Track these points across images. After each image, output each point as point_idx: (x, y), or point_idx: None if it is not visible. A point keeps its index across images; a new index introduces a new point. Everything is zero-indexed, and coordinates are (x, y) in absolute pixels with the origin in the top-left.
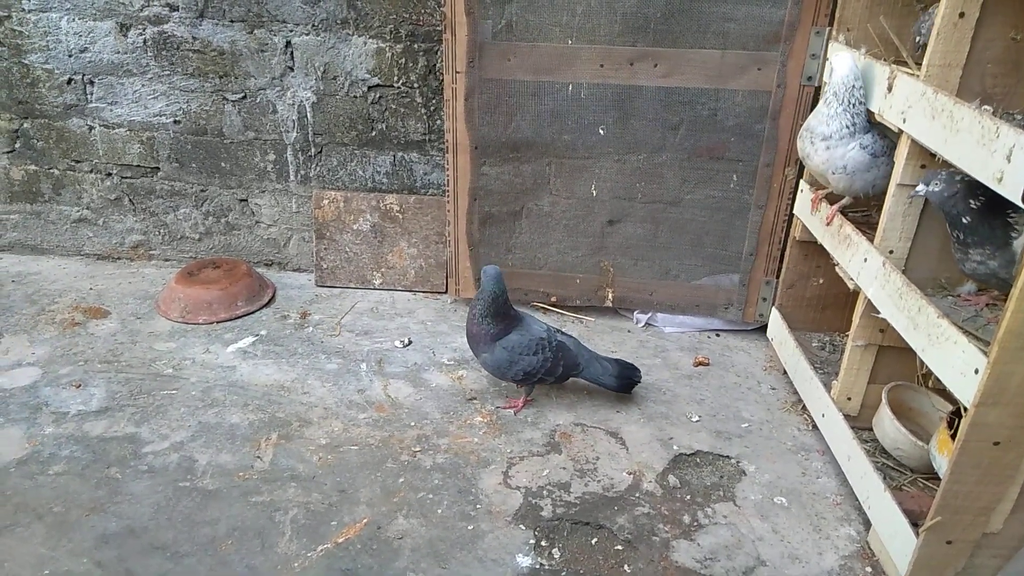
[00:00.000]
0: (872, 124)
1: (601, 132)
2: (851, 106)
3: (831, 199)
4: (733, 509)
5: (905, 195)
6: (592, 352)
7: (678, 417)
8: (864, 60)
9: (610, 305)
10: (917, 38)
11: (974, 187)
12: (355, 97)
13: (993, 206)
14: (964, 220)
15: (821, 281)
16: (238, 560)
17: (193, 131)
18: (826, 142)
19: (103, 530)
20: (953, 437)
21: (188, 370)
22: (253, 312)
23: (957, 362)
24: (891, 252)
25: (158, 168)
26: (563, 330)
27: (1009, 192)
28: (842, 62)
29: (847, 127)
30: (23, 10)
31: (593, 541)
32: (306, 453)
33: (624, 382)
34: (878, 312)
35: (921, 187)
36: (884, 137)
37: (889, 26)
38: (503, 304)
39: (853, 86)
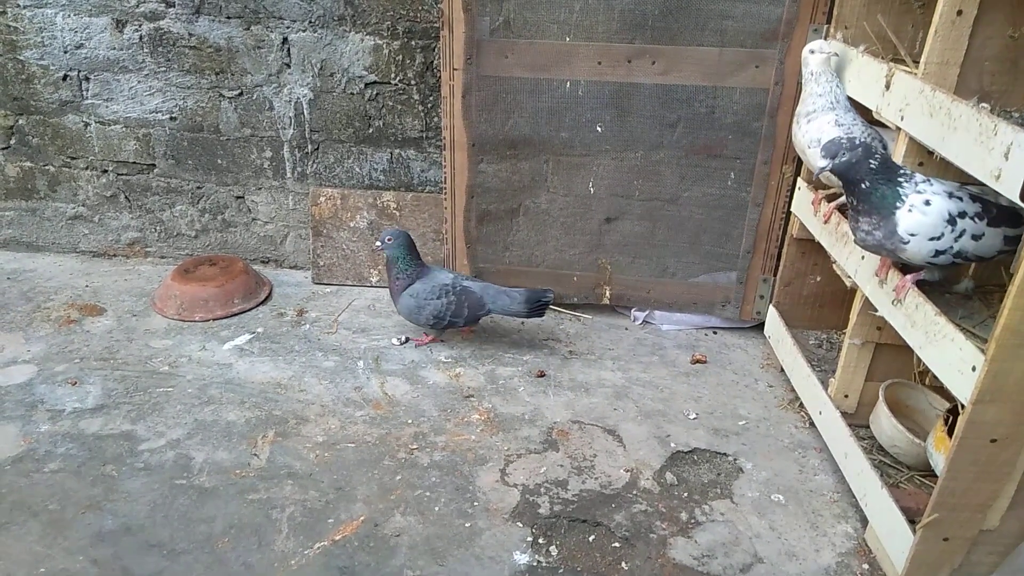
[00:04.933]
0: (856, 112)
1: (599, 130)
2: (825, 82)
3: (831, 199)
4: (730, 506)
5: None
6: (500, 289)
7: (675, 415)
8: (861, 57)
9: (607, 303)
10: None
11: (873, 149)
12: (352, 94)
13: (890, 173)
14: (863, 185)
15: (818, 279)
16: (235, 558)
17: (189, 128)
18: (807, 117)
19: (99, 528)
20: (950, 434)
21: (184, 368)
22: (249, 309)
23: (954, 359)
24: None
25: (154, 165)
26: (471, 277)
27: (1007, 189)
28: (818, 51)
29: (827, 102)
30: (18, 5)
31: (591, 538)
32: (303, 451)
33: (534, 306)
34: (875, 310)
35: (826, 162)
36: (868, 126)
37: (887, 24)
38: (411, 255)
39: (820, 65)
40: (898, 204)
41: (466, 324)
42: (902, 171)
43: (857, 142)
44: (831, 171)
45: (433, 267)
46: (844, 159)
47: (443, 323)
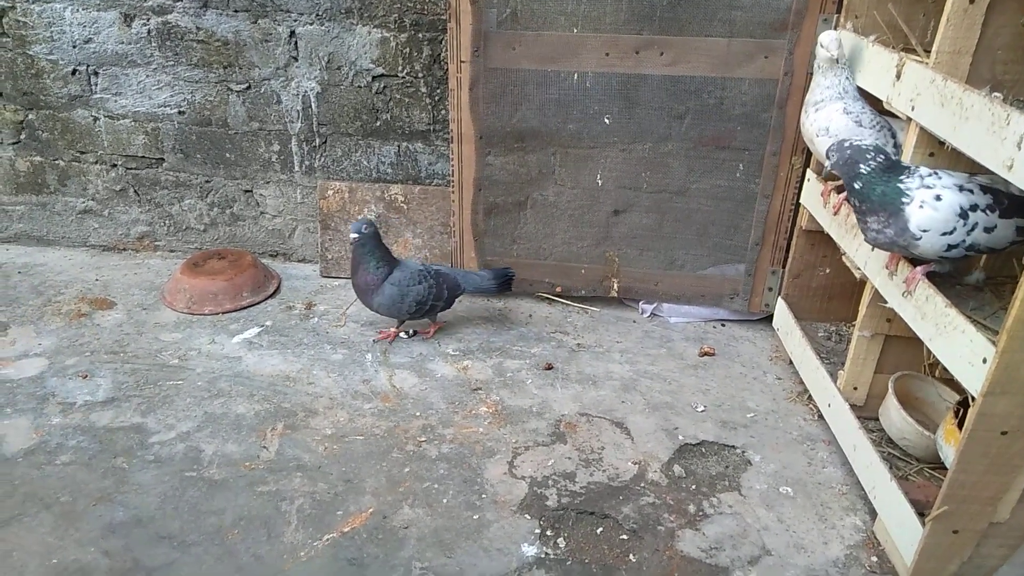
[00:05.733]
0: (864, 102)
1: (607, 121)
2: (834, 74)
3: (840, 190)
4: (739, 499)
5: None
6: (467, 271)
7: (683, 407)
8: (872, 47)
9: (615, 295)
10: None
11: (864, 151)
12: (359, 87)
13: (887, 172)
14: (855, 185)
15: (828, 271)
16: (244, 549)
17: (198, 122)
18: (816, 106)
19: (110, 519)
20: (960, 427)
21: (194, 361)
22: (258, 303)
23: (965, 351)
24: None
25: (163, 159)
26: (437, 264)
27: (1020, 179)
28: (825, 35)
29: (835, 92)
30: (27, 0)
31: (598, 531)
32: (312, 443)
33: (502, 280)
34: (885, 302)
35: (827, 163)
36: (877, 115)
37: (897, 13)
38: (382, 246)
39: (834, 53)
40: (904, 200)
41: (446, 306)
42: (905, 168)
43: (846, 144)
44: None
45: (398, 257)
46: (832, 160)
47: (424, 308)
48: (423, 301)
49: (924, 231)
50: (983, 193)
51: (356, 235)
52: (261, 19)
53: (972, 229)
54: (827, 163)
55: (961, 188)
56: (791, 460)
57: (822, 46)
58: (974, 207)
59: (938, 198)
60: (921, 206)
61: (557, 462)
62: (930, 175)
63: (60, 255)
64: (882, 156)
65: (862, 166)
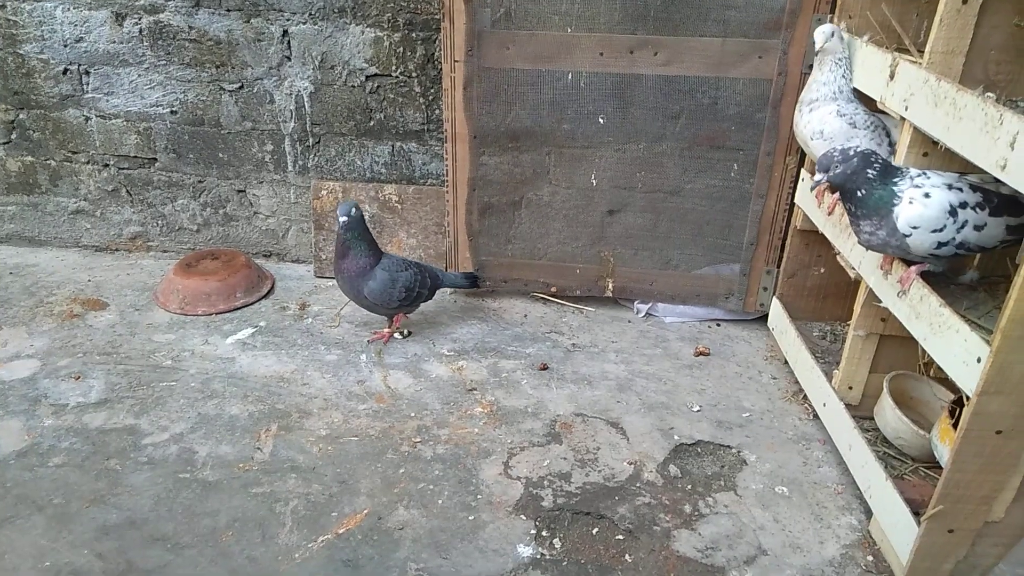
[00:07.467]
0: (860, 101)
1: (601, 121)
2: (830, 71)
3: (834, 189)
4: (734, 499)
5: None
6: (442, 269)
7: (679, 407)
8: (866, 47)
9: (610, 295)
10: None
11: (869, 157)
12: (353, 87)
13: (884, 176)
14: (859, 193)
15: (822, 270)
16: (239, 551)
17: (190, 121)
18: (810, 105)
19: (103, 522)
20: (955, 426)
21: (187, 362)
22: (252, 303)
23: (959, 351)
24: None
25: (155, 159)
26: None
27: (1013, 179)
28: (821, 30)
29: (830, 91)
30: None
31: (594, 531)
32: (306, 444)
33: (472, 279)
34: (880, 301)
35: (820, 175)
36: (871, 115)
37: (891, 13)
38: (369, 233)
39: (834, 52)
40: (895, 201)
41: (429, 296)
42: (897, 170)
43: (852, 152)
44: (827, 183)
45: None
46: (838, 171)
47: (412, 295)
48: (411, 287)
49: (914, 228)
50: (972, 191)
51: (346, 217)
52: (254, 18)
53: (962, 227)
54: (823, 174)
55: (950, 187)
56: (787, 460)
57: (823, 34)
58: (963, 204)
59: (927, 196)
60: (911, 202)
61: (553, 462)
62: (919, 175)
63: (52, 256)
64: (881, 161)
65: (869, 171)
